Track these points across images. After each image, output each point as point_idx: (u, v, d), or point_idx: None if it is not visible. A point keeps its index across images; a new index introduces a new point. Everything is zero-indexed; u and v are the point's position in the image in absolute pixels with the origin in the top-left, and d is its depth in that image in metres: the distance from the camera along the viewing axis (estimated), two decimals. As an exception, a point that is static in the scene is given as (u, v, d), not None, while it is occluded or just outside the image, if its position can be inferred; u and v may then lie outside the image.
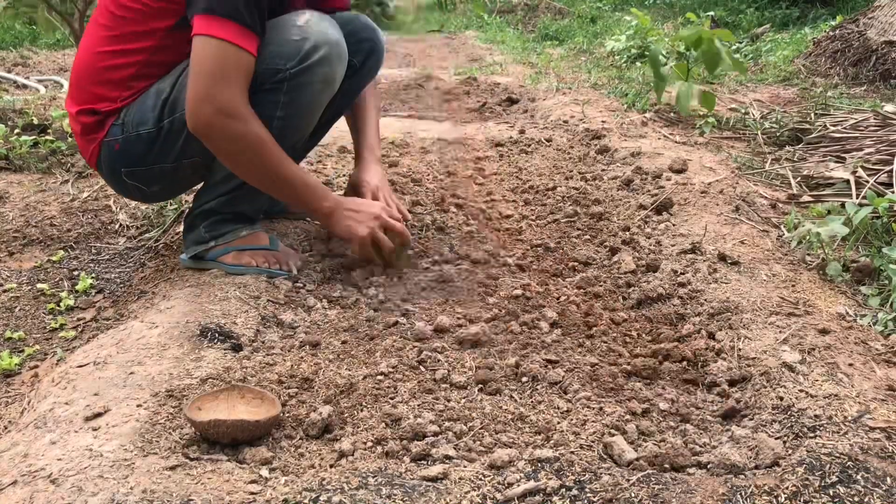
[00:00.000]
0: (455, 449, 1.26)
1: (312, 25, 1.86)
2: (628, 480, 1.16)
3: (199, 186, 2.11)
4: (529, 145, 3.08)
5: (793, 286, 1.82)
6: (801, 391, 1.37)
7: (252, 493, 1.14)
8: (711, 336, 1.65)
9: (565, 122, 3.39)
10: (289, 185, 1.89)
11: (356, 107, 2.26)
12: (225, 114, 1.76)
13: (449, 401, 1.40)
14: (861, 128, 3.01)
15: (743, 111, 3.56)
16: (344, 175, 2.73)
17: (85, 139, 1.97)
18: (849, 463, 1.17)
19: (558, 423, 1.34)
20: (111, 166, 1.97)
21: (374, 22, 2.23)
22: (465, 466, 1.21)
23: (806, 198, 2.47)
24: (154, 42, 1.88)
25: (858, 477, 1.14)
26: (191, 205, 2.17)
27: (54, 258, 2.26)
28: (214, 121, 1.76)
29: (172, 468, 1.18)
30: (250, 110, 1.80)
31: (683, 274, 1.92)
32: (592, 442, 1.29)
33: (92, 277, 2.13)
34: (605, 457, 1.26)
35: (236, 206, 2.01)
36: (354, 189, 2.17)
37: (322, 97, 1.94)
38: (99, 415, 1.33)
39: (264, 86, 1.85)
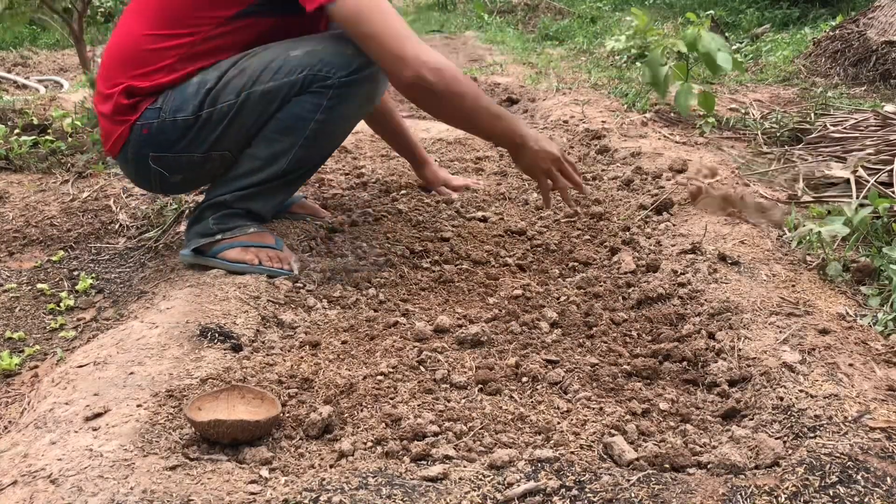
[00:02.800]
0: (455, 449, 1.26)
1: None
2: (628, 480, 1.16)
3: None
4: (529, 145, 3.08)
5: (793, 286, 1.82)
6: (801, 391, 1.37)
7: (252, 494, 1.14)
8: (711, 336, 1.65)
9: (565, 122, 3.39)
10: (491, 113, 1.93)
11: (392, 119, 2.48)
12: (437, 69, 1.80)
13: (449, 401, 1.41)
14: (861, 128, 3.01)
15: (743, 111, 3.56)
16: (340, 172, 2.73)
17: (114, 121, 1.96)
18: (849, 463, 1.17)
19: (558, 423, 1.34)
20: (138, 150, 1.96)
21: None
22: (465, 466, 1.21)
23: (806, 198, 2.47)
24: (207, 31, 1.91)
25: (858, 477, 1.14)
26: (191, 205, 2.18)
27: (54, 258, 2.26)
28: (438, 75, 1.80)
29: (172, 468, 1.18)
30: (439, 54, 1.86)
31: (683, 274, 1.92)
32: (592, 442, 1.29)
33: (92, 277, 2.13)
34: (605, 457, 1.26)
35: (250, 202, 2.02)
36: (435, 183, 2.56)
37: (361, 111, 2.03)
38: (99, 415, 1.33)
39: (311, 88, 1.90)
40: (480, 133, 2.03)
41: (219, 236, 1.99)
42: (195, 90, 1.90)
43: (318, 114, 1.92)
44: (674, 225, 2.23)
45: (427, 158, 2.59)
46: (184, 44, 1.90)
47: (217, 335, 1.62)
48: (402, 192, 2.54)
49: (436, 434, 1.30)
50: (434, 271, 2.00)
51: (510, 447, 1.27)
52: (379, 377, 1.48)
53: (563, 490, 1.15)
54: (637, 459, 1.23)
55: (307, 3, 1.81)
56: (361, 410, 1.37)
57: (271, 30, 1.96)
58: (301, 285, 1.92)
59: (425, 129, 3.37)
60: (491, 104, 1.96)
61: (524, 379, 1.49)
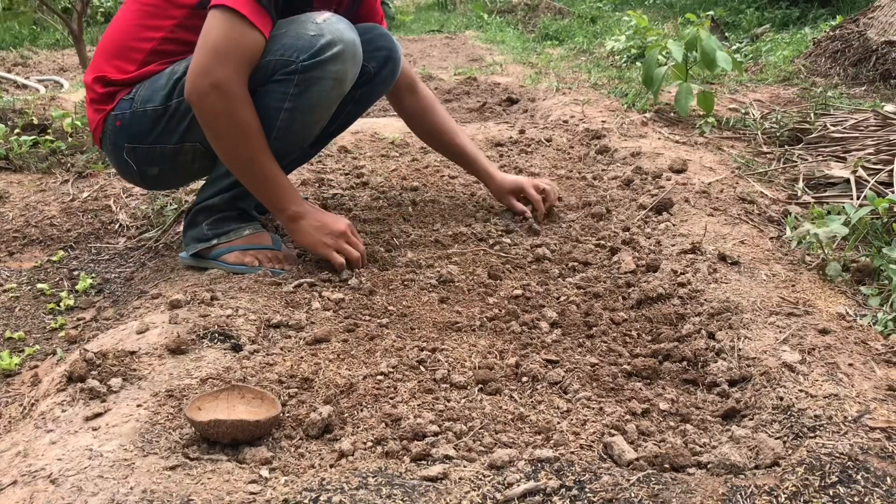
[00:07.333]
0: (455, 449, 1.26)
1: (330, 24, 1.88)
2: (628, 480, 1.16)
3: (196, 186, 2.12)
4: (529, 145, 3.08)
5: (793, 286, 1.82)
6: (801, 391, 1.37)
7: (252, 493, 1.14)
8: (711, 336, 1.65)
9: (565, 122, 3.39)
10: (262, 177, 1.88)
11: (426, 119, 2.32)
12: (219, 90, 1.77)
13: (449, 401, 1.41)
14: (861, 128, 3.01)
15: (743, 111, 3.56)
16: (340, 172, 2.73)
17: (93, 109, 2.00)
18: (849, 463, 1.17)
19: (558, 423, 1.34)
20: (114, 140, 1.99)
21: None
22: (465, 466, 1.21)
23: (806, 198, 2.47)
24: (177, 20, 1.92)
25: (858, 477, 1.14)
26: (190, 204, 2.17)
27: (54, 258, 2.26)
28: (207, 94, 1.77)
29: (172, 468, 1.18)
30: (246, 92, 1.82)
31: (683, 274, 1.92)
32: (592, 442, 1.29)
33: (92, 277, 2.13)
34: (605, 457, 1.26)
35: (240, 202, 2.01)
36: (518, 192, 2.31)
37: (332, 95, 1.93)
38: (99, 415, 1.33)
39: (275, 76, 1.87)
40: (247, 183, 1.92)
41: (214, 241, 1.99)
42: (165, 80, 1.92)
43: (286, 102, 1.88)
44: (674, 225, 2.23)
45: (488, 169, 2.36)
46: (159, 36, 1.92)
47: (217, 335, 1.61)
48: (403, 192, 2.54)
49: (436, 434, 1.30)
50: (434, 270, 2.00)
51: (510, 447, 1.27)
52: (379, 377, 1.48)
53: (563, 490, 1.15)
54: (637, 459, 1.23)
55: None
56: (361, 410, 1.37)
57: None
58: (301, 285, 1.92)
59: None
60: (272, 167, 1.87)
61: (524, 379, 1.49)
